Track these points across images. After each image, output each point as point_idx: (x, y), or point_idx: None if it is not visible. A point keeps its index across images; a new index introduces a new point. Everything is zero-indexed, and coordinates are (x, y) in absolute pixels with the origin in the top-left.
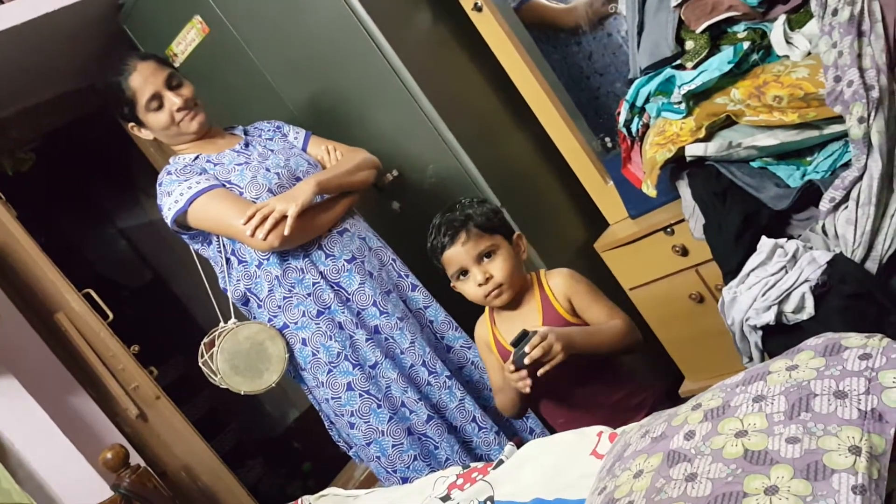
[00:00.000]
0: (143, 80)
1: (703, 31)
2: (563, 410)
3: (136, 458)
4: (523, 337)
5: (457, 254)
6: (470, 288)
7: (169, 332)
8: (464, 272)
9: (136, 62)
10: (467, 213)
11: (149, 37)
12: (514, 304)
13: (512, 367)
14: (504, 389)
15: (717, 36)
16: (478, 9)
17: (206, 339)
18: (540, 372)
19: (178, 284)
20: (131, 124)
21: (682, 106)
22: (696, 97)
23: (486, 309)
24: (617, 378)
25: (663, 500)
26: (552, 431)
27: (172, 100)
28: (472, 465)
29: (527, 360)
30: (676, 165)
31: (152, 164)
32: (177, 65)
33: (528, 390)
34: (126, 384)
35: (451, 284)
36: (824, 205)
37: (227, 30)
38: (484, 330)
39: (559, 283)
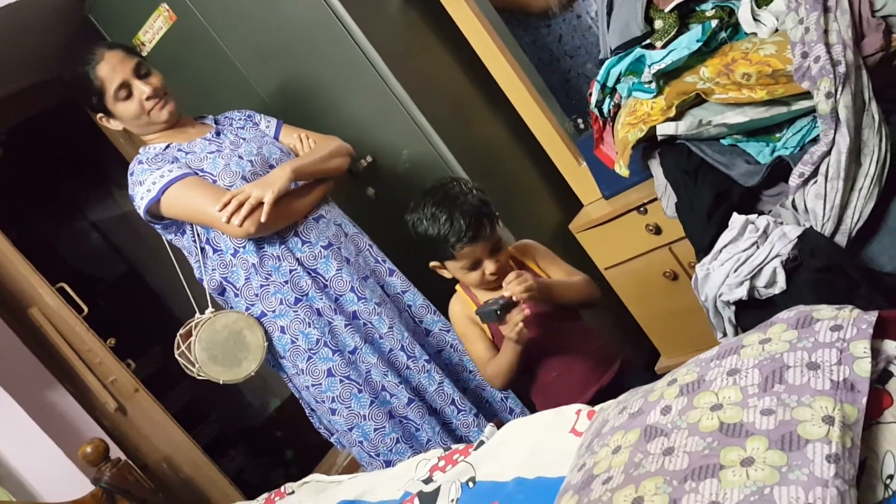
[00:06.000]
0: (110, 69)
1: (672, 10)
2: (557, 363)
3: (116, 452)
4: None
5: (477, 249)
6: (473, 276)
7: (145, 324)
8: (476, 263)
9: (103, 51)
10: (474, 206)
11: (115, 26)
12: None
13: (506, 320)
14: (492, 359)
15: (686, 14)
16: None
17: (182, 330)
18: (523, 308)
19: (152, 276)
20: (100, 115)
21: (653, 85)
22: (666, 76)
23: (460, 286)
24: (590, 329)
25: (641, 474)
26: (532, 411)
27: (141, 88)
28: (454, 446)
29: (508, 293)
30: (648, 145)
31: (123, 155)
32: (144, 54)
33: (525, 332)
34: (104, 378)
35: (432, 264)
36: (794, 180)
37: (195, 17)
38: (462, 306)
39: (523, 249)
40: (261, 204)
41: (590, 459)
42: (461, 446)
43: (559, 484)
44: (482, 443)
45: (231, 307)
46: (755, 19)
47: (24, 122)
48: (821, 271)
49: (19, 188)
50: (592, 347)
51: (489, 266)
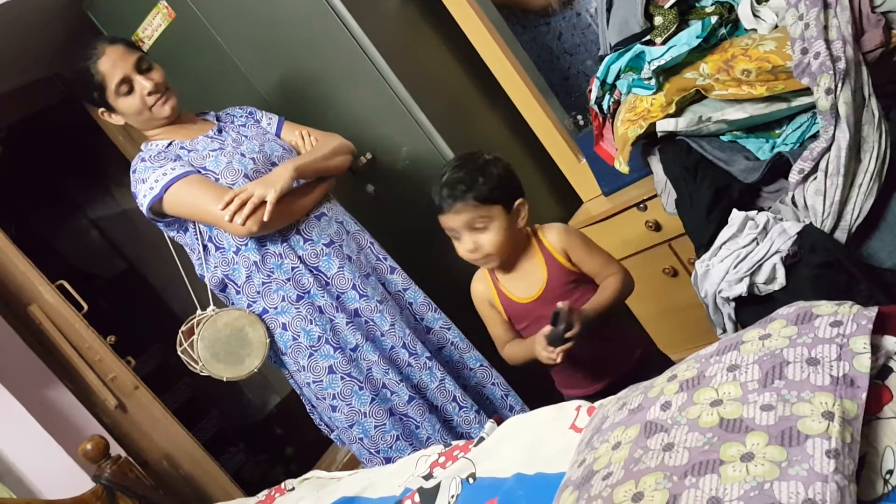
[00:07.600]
0: (111, 63)
1: (672, 7)
2: (579, 349)
3: (116, 449)
4: (555, 316)
5: (450, 220)
6: (460, 249)
7: (145, 321)
8: (456, 235)
9: (104, 46)
10: (470, 182)
11: (114, 23)
12: (513, 261)
13: (550, 346)
14: (511, 340)
15: (686, 11)
16: None
17: (183, 328)
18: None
19: (152, 273)
20: (101, 110)
21: (653, 82)
22: (666, 72)
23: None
24: (615, 319)
25: (641, 469)
26: (533, 407)
27: (143, 83)
28: (454, 443)
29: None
30: (648, 141)
31: (122, 152)
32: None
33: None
34: (104, 375)
35: None
36: (793, 176)
37: (194, 14)
38: (484, 287)
39: (555, 237)
40: (263, 203)
41: (590, 455)
42: (461, 442)
43: (559, 480)
44: (482, 439)
45: (232, 304)
46: (755, 15)
47: (23, 119)
48: (821, 267)
49: (18, 185)
50: (615, 336)
51: (466, 242)
